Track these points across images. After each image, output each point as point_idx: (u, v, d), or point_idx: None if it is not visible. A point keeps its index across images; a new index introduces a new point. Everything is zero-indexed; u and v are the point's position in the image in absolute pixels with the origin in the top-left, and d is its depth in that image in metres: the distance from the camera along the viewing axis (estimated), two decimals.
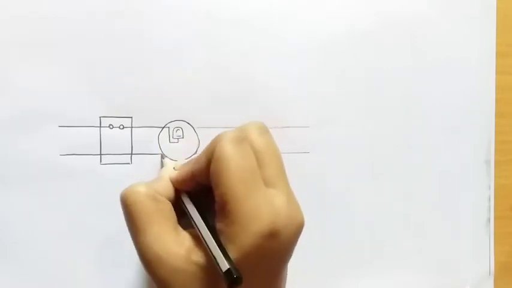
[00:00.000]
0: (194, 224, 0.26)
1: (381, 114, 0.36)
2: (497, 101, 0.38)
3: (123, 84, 0.31)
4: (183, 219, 0.27)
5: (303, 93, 0.34)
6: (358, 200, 0.35)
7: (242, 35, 0.33)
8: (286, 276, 0.27)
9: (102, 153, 0.31)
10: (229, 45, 0.33)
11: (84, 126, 0.31)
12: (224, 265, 0.23)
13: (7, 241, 0.30)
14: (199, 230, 0.26)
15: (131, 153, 0.32)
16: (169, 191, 0.28)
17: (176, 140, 0.32)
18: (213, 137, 0.26)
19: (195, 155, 0.32)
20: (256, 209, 0.24)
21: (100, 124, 0.31)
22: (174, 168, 0.30)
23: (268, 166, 0.26)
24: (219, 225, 0.25)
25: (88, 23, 0.31)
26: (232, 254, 0.24)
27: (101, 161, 0.31)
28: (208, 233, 0.25)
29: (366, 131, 0.35)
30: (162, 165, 0.32)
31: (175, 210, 0.27)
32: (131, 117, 0.32)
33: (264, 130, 0.27)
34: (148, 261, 0.25)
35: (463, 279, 0.38)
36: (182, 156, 0.32)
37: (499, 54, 0.38)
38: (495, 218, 0.38)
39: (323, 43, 0.34)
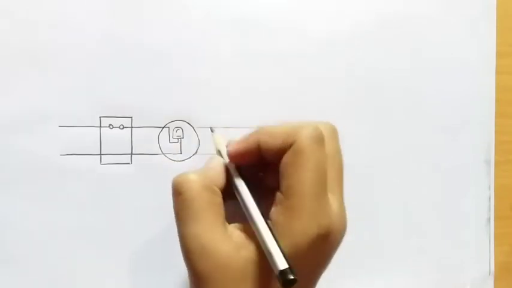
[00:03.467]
0: (248, 216, 0.26)
1: (381, 114, 0.36)
2: (497, 101, 0.38)
3: (123, 84, 0.31)
4: (228, 208, 0.26)
5: (303, 93, 0.34)
6: (358, 200, 0.35)
7: (242, 35, 0.33)
8: None
9: (102, 153, 0.31)
10: (229, 45, 0.33)
11: (84, 126, 0.31)
12: (281, 264, 0.23)
13: (7, 241, 0.30)
14: (254, 223, 0.25)
15: (131, 153, 0.32)
16: (221, 180, 0.27)
17: (176, 140, 0.32)
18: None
19: (195, 155, 0.32)
20: (319, 210, 0.24)
21: (100, 124, 0.31)
22: (226, 147, 0.29)
23: (332, 171, 0.26)
24: (275, 216, 0.25)
25: (88, 24, 0.31)
26: (285, 249, 0.24)
27: (101, 161, 0.31)
28: (265, 227, 0.24)
29: (366, 131, 0.35)
30: (213, 137, 0.31)
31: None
32: (131, 117, 0.32)
33: (336, 134, 0.27)
34: (193, 252, 0.24)
35: (463, 279, 0.38)
36: (182, 156, 0.32)
37: (499, 54, 0.38)
38: (495, 218, 0.38)
39: (323, 43, 0.34)
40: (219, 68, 0.33)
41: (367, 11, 0.35)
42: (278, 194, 0.25)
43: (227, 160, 0.28)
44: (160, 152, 0.32)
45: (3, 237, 0.30)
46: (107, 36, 0.31)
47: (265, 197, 0.26)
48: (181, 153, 0.32)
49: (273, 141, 0.26)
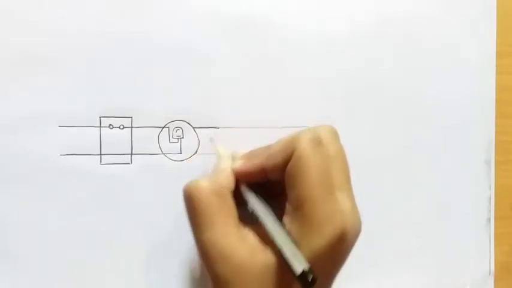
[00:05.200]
0: (262, 221, 0.26)
1: (381, 114, 0.36)
2: (497, 101, 0.38)
3: (123, 84, 0.31)
4: (240, 211, 0.27)
5: (303, 93, 0.34)
6: (358, 199, 0.35)
7: (241, 35, 0.33)
8: None
9: (102, 153, 0.31)
10: (228, 45, 0.33)
11: (84, 126, 0.31)
12: (299, 266, 0.23)
13: (7, 241, 0.30)
14: (268, 228, 0.25)
15: (131, 153, 0.32)
16: (231, 183, 0.28)
17: (176, 140, 0.32)
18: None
19: (195, 155, 0.32)
20: (330, 211, 0.24)
21: (100, 124, 0.31)
22: (231, 157, 0.30)
23: (338, 171, 0.26)
24: (289, 225, 0.25)
25: (88, 24, 0.31)
26: (303, 255, 0.24)
27: (101, 161, 0.31)
28: (281, 232, 0.25)
29: (366, 131, 0.35)
30: (213, 145, 0.32)
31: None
32: (131, 117, 0.32)
33: (336, 135, 0.27)
34: (212, 258, 0.25)
35: (463, 279, 0.38)
36: (182, 156, 0.32)
37: (499, 54, 0.38)
38: (495, 218, 0.38)
39: (323, 43, 0.34)
40: (219, 68, 0.33)
41: (367, 11, 0.35)
42: (287, 205, 0.26)
43: (233, 166, 0.28)
44: (160, 152, 0.32)
45: (3, 237, 0.30)
46: (107, 36, 0.31)
47: (274, 200, 0.27)
48: (181, 153, 0.32)
49: (273, 162, 0.26)
